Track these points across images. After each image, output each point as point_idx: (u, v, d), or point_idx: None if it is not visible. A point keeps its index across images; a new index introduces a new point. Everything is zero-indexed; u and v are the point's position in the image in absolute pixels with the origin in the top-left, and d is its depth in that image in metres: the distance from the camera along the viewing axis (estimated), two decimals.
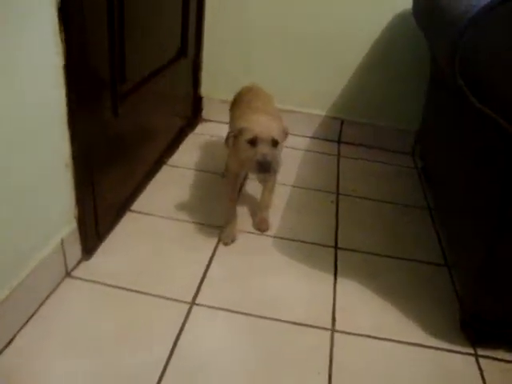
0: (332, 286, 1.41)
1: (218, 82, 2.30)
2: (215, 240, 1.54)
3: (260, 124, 1.35)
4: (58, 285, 1.30)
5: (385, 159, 2.23)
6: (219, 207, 1.66)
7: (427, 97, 1.98)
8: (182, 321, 1.23)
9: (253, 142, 1.33)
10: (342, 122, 2.31)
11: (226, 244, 1.53)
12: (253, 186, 1.86)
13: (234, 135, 1.38)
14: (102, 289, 1.31)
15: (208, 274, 1.41)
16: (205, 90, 2.36)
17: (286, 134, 1.42)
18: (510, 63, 0.92)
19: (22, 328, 1.16)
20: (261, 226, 1.64)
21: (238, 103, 1.68)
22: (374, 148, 2.31)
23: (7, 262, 1.10)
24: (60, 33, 1.11)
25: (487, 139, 1.15)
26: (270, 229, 1.63)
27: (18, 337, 1.14)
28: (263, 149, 1.32)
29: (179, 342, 1.17)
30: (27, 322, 1.18)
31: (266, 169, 1.32)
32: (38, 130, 1.12)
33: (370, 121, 2.29)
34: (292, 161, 2.11)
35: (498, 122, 0.96)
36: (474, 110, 1.01)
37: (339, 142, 2.34)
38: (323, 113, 2.31)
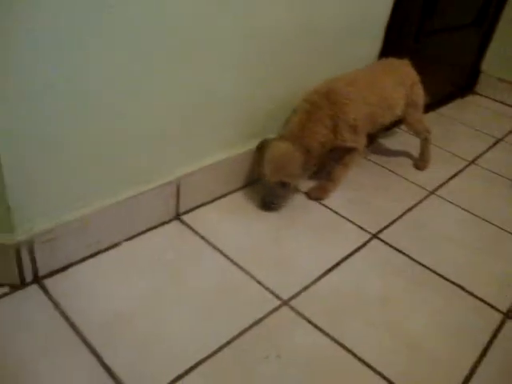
0: None
1: (503, 59, 2.12)
2: None
3: (270, 162, 1.29)
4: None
5: None
6: None
7: None
8: None
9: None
10: None
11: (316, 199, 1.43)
12: None
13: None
14: None
15: None
16: (485, 64, 2.22)
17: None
18: None
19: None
20: (313, 192, 1.42)
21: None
22: None
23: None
24: None
25: None
26: (324, 199, 1.42)
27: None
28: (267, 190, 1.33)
29: None
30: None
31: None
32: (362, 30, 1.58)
33: None
34: None
35: None
36: None
37: None
38: None
